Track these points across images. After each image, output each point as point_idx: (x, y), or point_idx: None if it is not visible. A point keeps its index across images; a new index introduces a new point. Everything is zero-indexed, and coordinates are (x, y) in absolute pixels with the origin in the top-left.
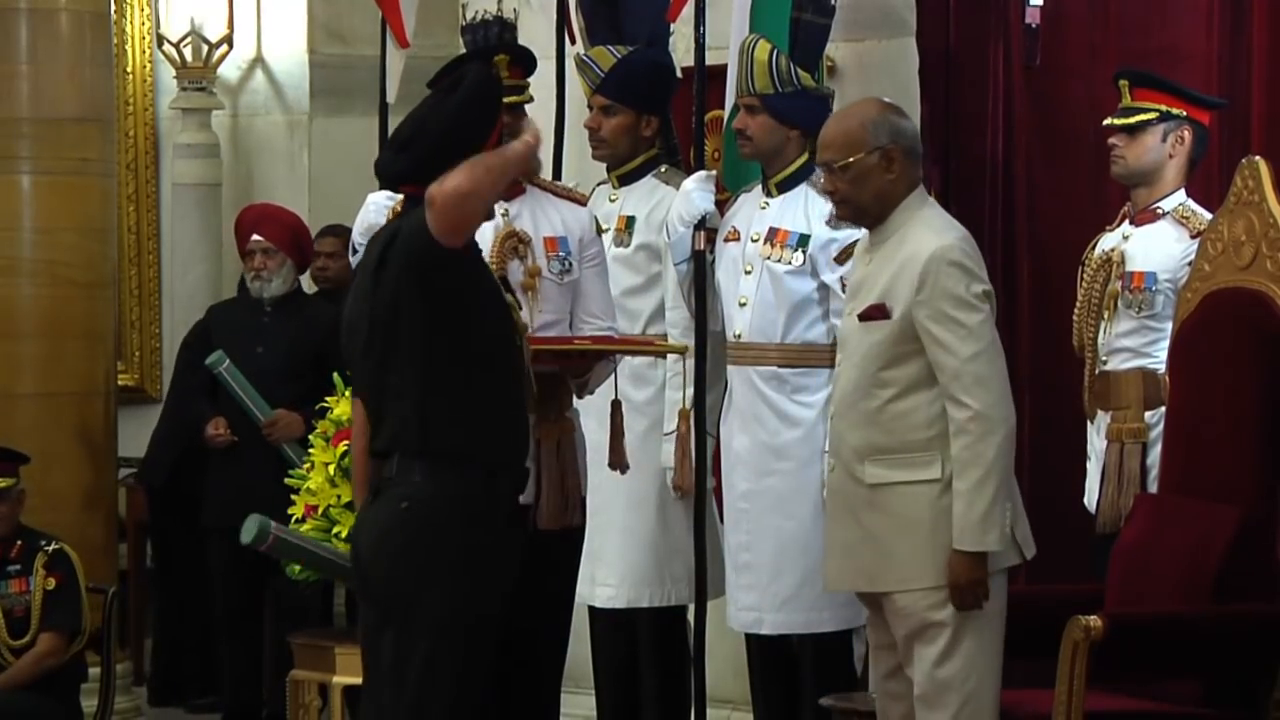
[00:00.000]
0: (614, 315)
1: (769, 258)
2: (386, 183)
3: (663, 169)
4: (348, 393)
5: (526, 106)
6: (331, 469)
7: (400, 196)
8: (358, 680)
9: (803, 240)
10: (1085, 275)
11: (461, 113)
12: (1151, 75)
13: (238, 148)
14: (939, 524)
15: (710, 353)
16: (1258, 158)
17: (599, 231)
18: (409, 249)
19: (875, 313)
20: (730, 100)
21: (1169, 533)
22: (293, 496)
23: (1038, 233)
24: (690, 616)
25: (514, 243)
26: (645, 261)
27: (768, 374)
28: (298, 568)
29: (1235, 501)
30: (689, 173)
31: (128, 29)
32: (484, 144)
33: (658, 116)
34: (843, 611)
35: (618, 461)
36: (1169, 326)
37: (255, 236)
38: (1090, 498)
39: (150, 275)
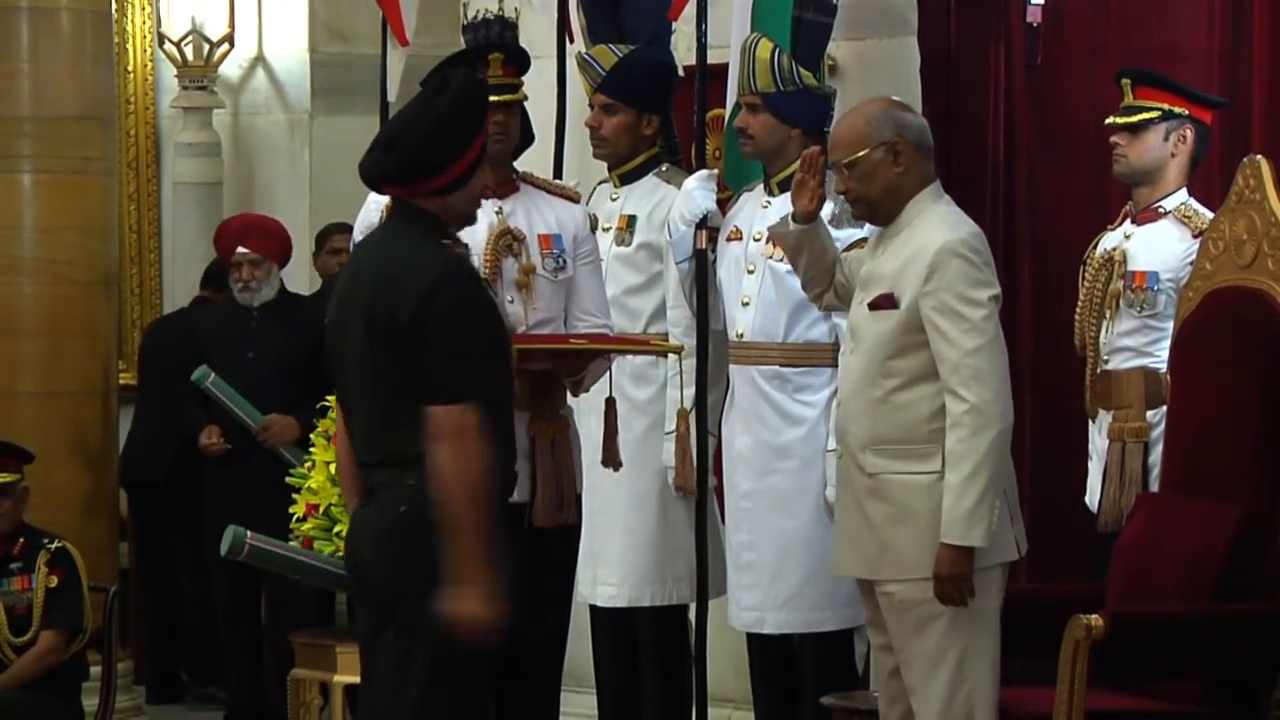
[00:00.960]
0: (608, 312)
1: (771, 257)
2: (370, 183)
3: (664, 168)
4: None
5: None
6: (333, 468)
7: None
8: (359, 679)
9: None
10: (1087, 274)
11: (448, 115)
12: (1154, 74)
13: (239, 146)
14: (937, 516)
15: (712, 352)
16: (1259, 157)
17: (594, 229)
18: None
19: (884, 302)
20: (732, 99)
21: (1170, 532)
22: (294, 496)
23: (1038, 232)
24: (691, 616)
25: (508, 240)
26: (646, 260)
27: (770, 373)
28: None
29: (1236, 501)
30: (690, 172)
31: (129, 27)
32: (469, 148)
33: (659, 115)
34: (844, 611)
35: (610, 459)
36: (1170, 326)
37: (241, 249)
38: (1092, 497)
39: (151, 274)
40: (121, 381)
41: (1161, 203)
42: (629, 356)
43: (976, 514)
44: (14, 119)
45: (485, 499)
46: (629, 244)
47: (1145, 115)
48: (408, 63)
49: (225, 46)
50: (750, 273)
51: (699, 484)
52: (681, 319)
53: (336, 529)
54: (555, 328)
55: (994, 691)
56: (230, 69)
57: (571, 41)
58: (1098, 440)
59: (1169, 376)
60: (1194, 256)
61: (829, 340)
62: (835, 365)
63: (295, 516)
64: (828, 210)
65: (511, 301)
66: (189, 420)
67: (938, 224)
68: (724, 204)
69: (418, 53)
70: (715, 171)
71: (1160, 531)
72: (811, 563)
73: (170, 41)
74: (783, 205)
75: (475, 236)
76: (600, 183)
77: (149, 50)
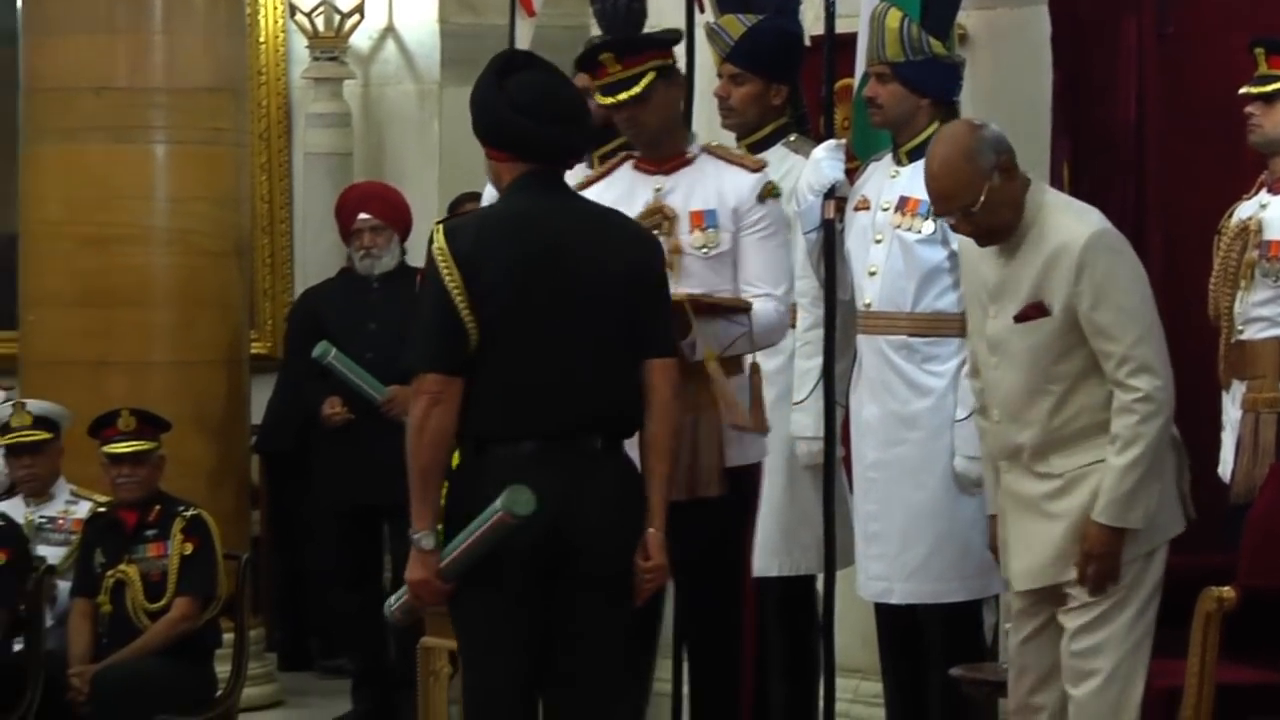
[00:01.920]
0: (781, 280)
1: (899, 226)
2: (579, 152)
3: (792, 138)
4: None
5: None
6: None
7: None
8: None
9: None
10: (1222, 244)
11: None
12: None
13: (369, 117)
14: None
15: (840, 322)
16: None
17: (773, 196)
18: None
19: (1033, 312)
20: (860, 68)
21: None
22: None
23: (1169, 201)
24: (819, 586)
25: (658, 219)
26: None
27: (898, 343)
28: None
29: None
30: (818, 141)
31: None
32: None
33: (787, 85)
34: (973, 582)
35: (757, 426)
36: None
37: (363, 215)
38: (1225, 468)
39: (282, 244)
40: (253, 351)
41: None
42: None
43: (1136, 498)
44: (147, 90)
45: None
46: None
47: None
48: (535, 33)
49: (356, 17)
50: (878, 242)
51: (826, 454)
52: (809, 289)
53: None
54: None
55: (1145, 672)
56: (360, 40)
57: (701, 11)
58: (1231, 411)
59: None
60: None
61: (957, 310)
62: (963, 335)
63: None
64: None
65: None
66: (310, 392)
67: (1063, 217)
68: (852, 174)
69: (545, 23)
70: (843, 141)
71: None
72: (939, 533)
73: (301, 13)
74: (911, 175)
75: (630, 214)
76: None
77: (280, 21)
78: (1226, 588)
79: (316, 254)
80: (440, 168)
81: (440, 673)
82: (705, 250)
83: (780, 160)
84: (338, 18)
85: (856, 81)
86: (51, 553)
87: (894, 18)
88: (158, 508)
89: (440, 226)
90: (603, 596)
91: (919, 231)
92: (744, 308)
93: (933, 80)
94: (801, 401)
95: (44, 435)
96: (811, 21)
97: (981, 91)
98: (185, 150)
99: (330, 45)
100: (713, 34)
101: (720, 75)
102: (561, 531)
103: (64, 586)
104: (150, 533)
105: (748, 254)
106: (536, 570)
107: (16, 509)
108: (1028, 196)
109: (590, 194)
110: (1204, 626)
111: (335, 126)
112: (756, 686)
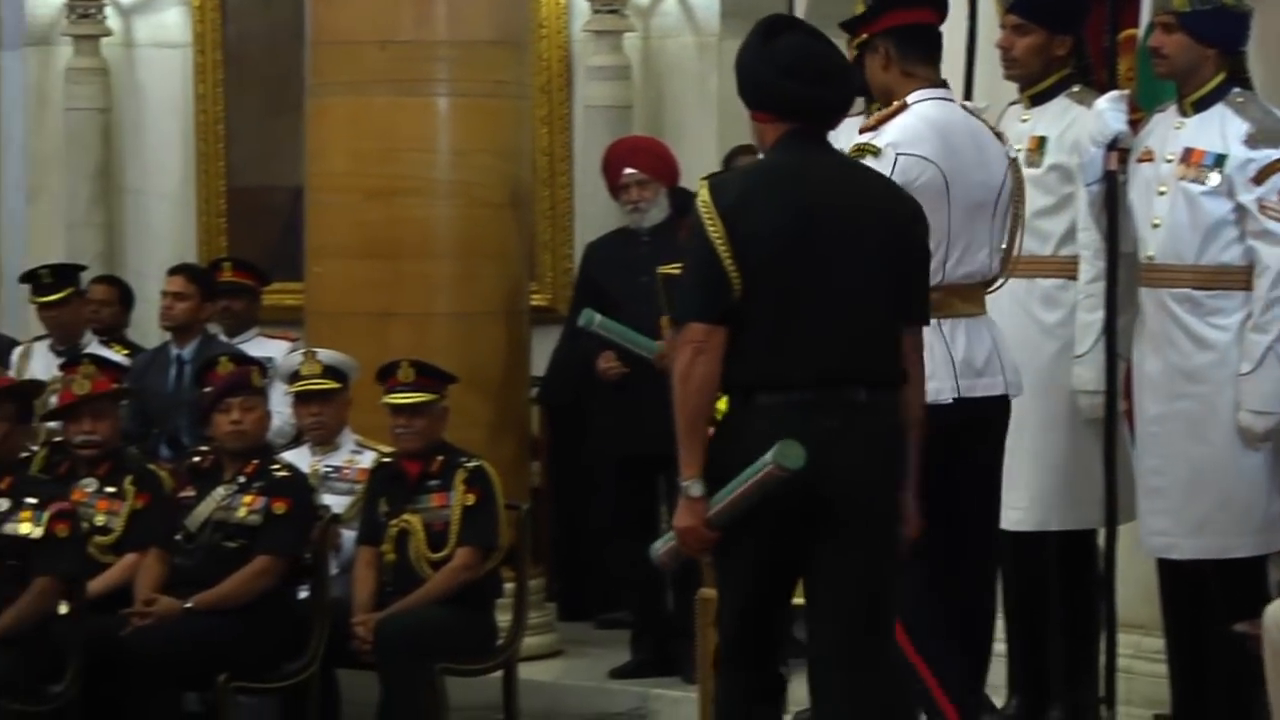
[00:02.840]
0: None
1: (1184, 178)
2: (841, 110)
3: (1075, 89)
4: None
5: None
6: None
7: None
8: None
9: (1219, 160)
10: None
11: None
12: None
13: (649, 70)
14: None
15: (1122, 275)
16: None
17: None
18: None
19: None
20: (1145, 18)
21: None
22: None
23: None
24: (1100, 541)
25: None
26: (1057, 182)
27: (1181, 296)
28: None
29: None
30: (1101, 93)
31: None
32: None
33: (1071, 36)
34: (1257, 538)
35: None
36: None
37: (628, 170)
38: None
39: (562, 196)
40: (532, 303)
41: None
42: (1038, 280)
43: None
44: (430, 43)
45: None
46: (1039, 165)
47: None
48: None
49: None
50: (1161, 194)
51: (1108, 408)
52: (1091, 242)
53: None
54: None
55: None
56: None
57: None
58: None
59: None
60: None
61: (1243, 263)
62: (1248, 289)
63: None
64: (1244, 130)
65: None
66: (586, 347)
67: None
68: (1135, 125)
69: None
70: (1127, 92)
71: None
72: (1224, 489)
73: None
74: (1197, 126)
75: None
76: (1011, 104)
77: None
78: None
79: (596, 207)
80: (719, 120)
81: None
82: None
83: (1063, 112)
84: None
85: (1141, 32)
86: (336, 502)
87: None
88: (440, 458)
89: (705, 182)
90: (857, 543)
91: (1204, 184)
92: None
93: (1220, 30)
94: (1083, 355)
95: (332, 384)
96: None
97: (1272, 39)
98: (467, 103)
99: None
100: None
101: (1003, 26)
102: (822, 480)
103: (348, 535)
104: (433, 483)
105: None
106: (797, 517)
107: (302, 458)
108: None
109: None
110: None
111: (615, 79)
112: (1031, 643)
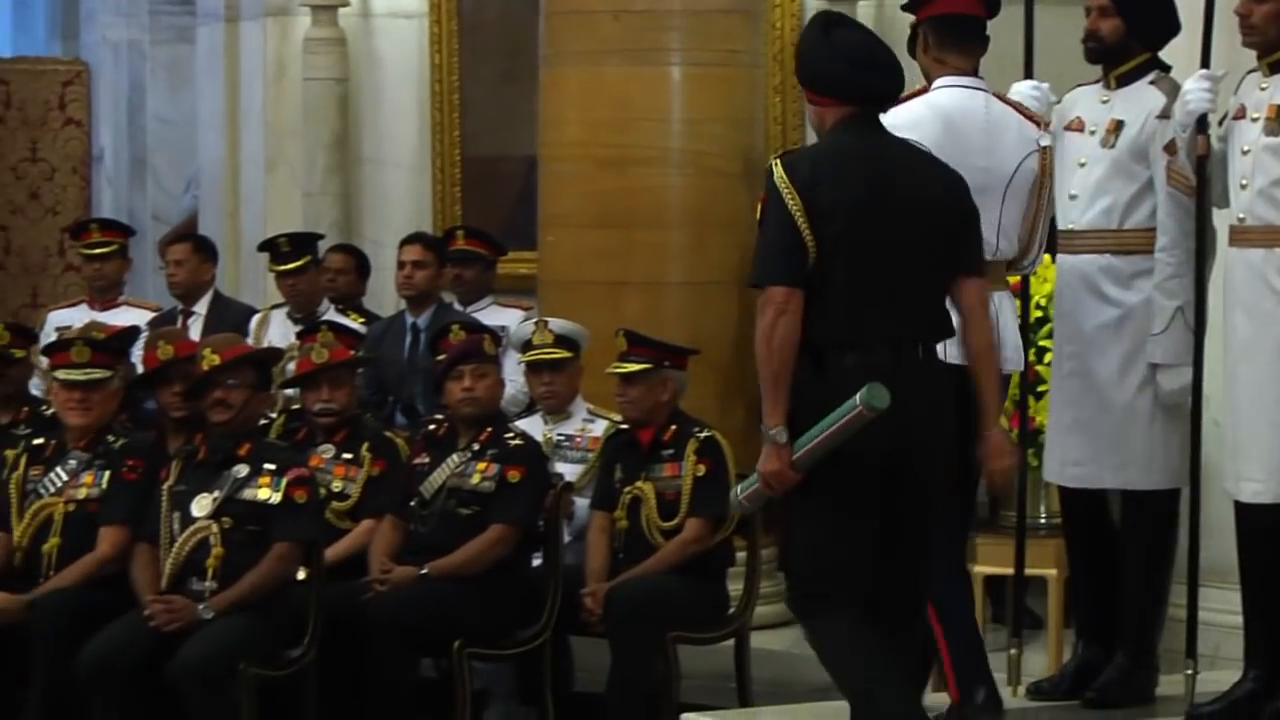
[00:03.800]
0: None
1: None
2: (894, 95)
3: None
4: None
5: None
6: None
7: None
8: (1001, 570)
9: None
10: None
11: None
12: None
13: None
14: None
15: None
16: None
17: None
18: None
19: None
20: None
21: None
22: None
23: None
24: None
25: None
26: None
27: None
28: None
29: None
30: None
31: None
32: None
33: None
34: None
35: None
36: None
37: None
38: None
39: None
40: None
41: None
42: (1276, 249)
43: None
44: (664, 13)
45: None
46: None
47: None
48: None
49: None
50: (1245, 154)
51: None
52: None
53: None
54: None
55: None
56: None
57: None
58: None
59: None
60: None
61: None
62: None
63: None
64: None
65: None
66: None
67: None
68: None
69: None
70: (1216, 71)
71: None
72: None
73: None
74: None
75: None
76: (1249, 71)
77: None
78: None
79: None
80: None
81: None
82: None
83: None
84: None
85: None
86: (568, 470)
87: None
88: (673, 428)
89: (778, 160)
90: (928, 493)
91: None
92: None
93: None
94: None
95: (565, 354)
96: None
97: None
98: (700, 72)
99: None
100: None
101: None
102: (896, 432)
103: (581, 503)
104: (666, 452)
105: None
106: (874, 469)
107: (535, 426)
108: None
109: None
110: None
111: None
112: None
